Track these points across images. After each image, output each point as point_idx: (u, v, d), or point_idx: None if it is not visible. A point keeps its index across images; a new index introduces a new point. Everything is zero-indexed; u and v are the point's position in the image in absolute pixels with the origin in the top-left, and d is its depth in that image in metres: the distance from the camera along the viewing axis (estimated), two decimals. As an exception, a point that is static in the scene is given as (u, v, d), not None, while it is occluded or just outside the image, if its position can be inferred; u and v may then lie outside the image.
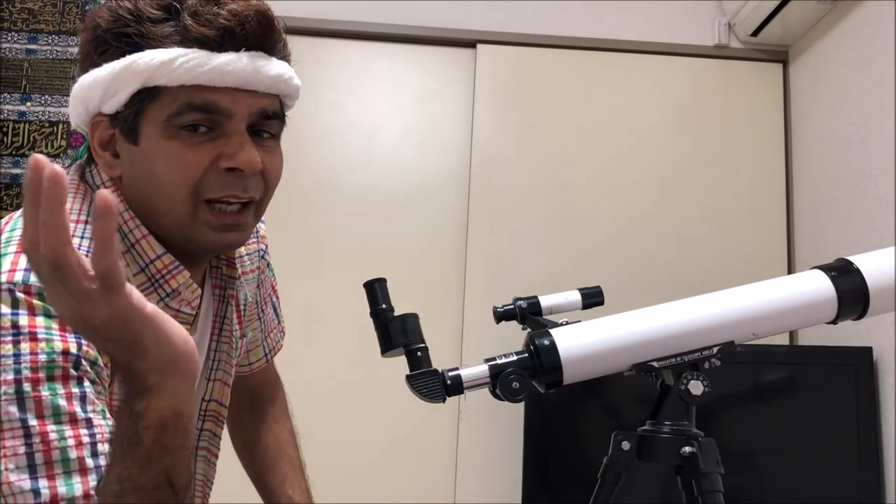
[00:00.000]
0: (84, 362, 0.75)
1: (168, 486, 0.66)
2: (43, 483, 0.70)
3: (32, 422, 0.71)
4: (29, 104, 2.33)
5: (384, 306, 0.90)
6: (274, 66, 0.89)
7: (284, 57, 0.93)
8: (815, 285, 0.95)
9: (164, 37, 0.85)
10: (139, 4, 0.86)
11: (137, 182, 0.89)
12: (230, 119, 0.87)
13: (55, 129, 2.32)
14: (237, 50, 0.86)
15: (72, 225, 0.83)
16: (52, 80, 2.34)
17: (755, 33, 2.38)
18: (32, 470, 0.70)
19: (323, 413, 2.21)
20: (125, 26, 0.85)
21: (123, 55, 0.85)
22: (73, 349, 0.74)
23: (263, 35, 0.88)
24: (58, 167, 0.56)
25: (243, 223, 0.90)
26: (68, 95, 2.36)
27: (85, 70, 0.88)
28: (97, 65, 0.87)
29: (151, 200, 0.88)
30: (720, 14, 2.47)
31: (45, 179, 0.55)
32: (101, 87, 0.86)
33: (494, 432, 2.23)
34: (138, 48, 0.85)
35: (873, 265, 0.96)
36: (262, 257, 1.16)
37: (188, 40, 0.85)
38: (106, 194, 0.57)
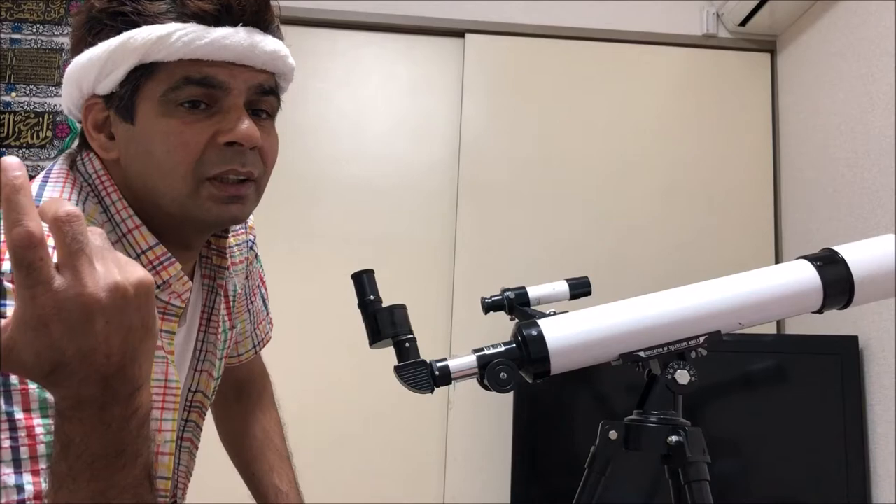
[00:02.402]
0: None
1: (148, 481, 0.63)
2: (27, 478, 0.68)
3: (19, 415, 0.69)
4: (14, 94, 2.31)
5: (372, 297, 0.90)
6: (270, 42, 0.89)
7: (279, 37, 0.93)
8: (801, 275, 0.95)
9: (160, 13, 0.84)
10: None
11: (135, 162, 0.88)
12: (228, 94, 0.86)
13: (41, 119, 2.30)
14: (234, 24, 0.86)
15: None
16: (38, 69, 2.32)
17: (743, 23, 2.38)
18: (17, 464, 0.68)
19: (313, 403, 2.21)
20: (121, 5, 0.85)
21: (119, 33, 0.84)
22: None
23: (260, 10, 0.88)
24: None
25: (245, 195, 0.89)
26: (54, 85, 2.35)
27: (79, 52, 0.87)
28: (92, 45, 0.86)
29: (149, 180, 0.87)
30: (709, 4, 2.47)
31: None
32: (96, 66, 0.85)
33: (483, 422, 2.23)
34: (134, 25, 0.84)
35: (858, 255, 0.96)
36: (251, 248, 1.16)
37: (185, 15, 0.84)
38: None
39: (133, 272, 0.57)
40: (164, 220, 0.89)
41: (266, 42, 0.88)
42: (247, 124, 0.86)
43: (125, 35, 0.84)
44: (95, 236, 0.57)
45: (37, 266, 0.52)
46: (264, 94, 0.90)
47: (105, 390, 0.57)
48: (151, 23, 0.84)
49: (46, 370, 0.55)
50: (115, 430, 0.58)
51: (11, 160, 0.53)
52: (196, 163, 0.85)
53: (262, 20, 0.89)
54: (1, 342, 0.53)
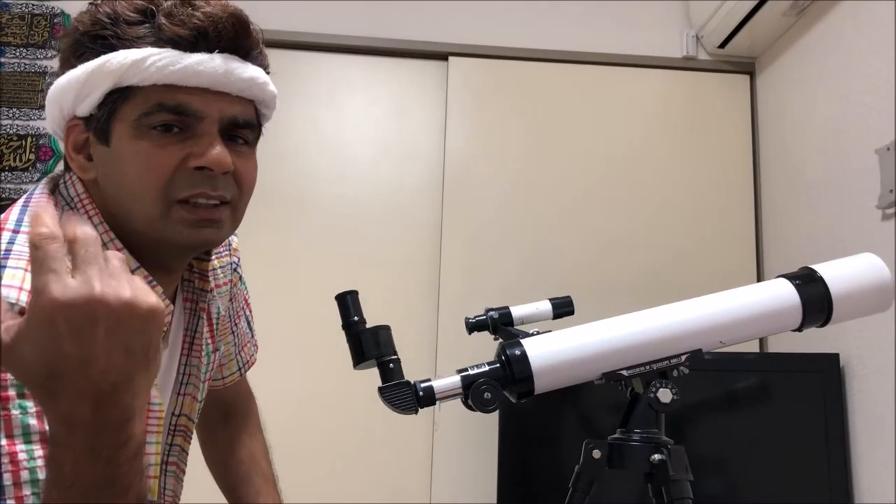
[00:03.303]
0: None
1: None
2: None
3: (2, 441, 0.69)
4: (-3, 117, 2.30)
5: (356, 318, 0.90)
6: (248, 70, 0.89)
7: (262, 65, 0.93)
8: (780, 293, 0.97)
9: (138, 38, 0.85)
10: (117, 7, 0.86)
11: (110, 184, 0.88)
12: (201, 121, 0.86)
13: (23, 142, 2.30)
14: (210, 51, 0.86)
15: None
16: (21, 92, 2.32)
17: (723, 45, 2.42)
18: (0, 491, 0.68)
19: (298, 425, 2.20)
20: (102, 29, 0.86)
21: (98, 56, 0.85)
22: None
23: (238, 37, 0.88)
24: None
25: (219, 219, 0.89)
26: (37, 108, 2.35)
27: (62, 74, 0.88)
28: (73, 67, 0.87)
29: (123, 202, 0.87)
30: (688, 26, 2.51)
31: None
32: (74, 87, 0.86)
33: (469, 443, 2.23)
34: (113, 49, 0.85)
35: (836, 273, 0.98)
36: (235, 270, 1.16)
37: (161, 40, 0.85)
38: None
39: (147, 295, 0.58)
40: (142, 243, 0.89)
41: (243, 69, 0.88)
42: (217, 150, 0.86)
43: (102, 58, 0.84)
44: (115, 259, 0.59)
45: (52, 257, 0.54)
46: (239, 126, 0.90)
47: (97, 412, 0.57)
48: (129, 47, 0.84)
49: (45, 372, 0.55)
50: (106, 460, 0.58)
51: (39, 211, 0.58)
52: (165, 186, 0.85)
53: (241, 47, 0.89)
54: (5, 337, 0.55)
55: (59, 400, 0.56)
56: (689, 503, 0.90)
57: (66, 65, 0.88)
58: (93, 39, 0.86)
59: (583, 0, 2.52)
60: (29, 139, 2.30)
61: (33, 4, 2.38)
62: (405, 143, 2.44)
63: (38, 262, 0.54)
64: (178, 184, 0.86)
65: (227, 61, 0.87)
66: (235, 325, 1.21)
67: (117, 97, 0.85)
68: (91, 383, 0.56)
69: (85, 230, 0.56)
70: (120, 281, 0.57)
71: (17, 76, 2.33)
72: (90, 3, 0.89)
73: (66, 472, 0.58)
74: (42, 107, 2.29)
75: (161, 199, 0.85)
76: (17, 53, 2.34)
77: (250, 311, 1.27)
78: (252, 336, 1.28)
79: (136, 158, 0.85)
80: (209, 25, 0.85)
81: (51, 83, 0.90)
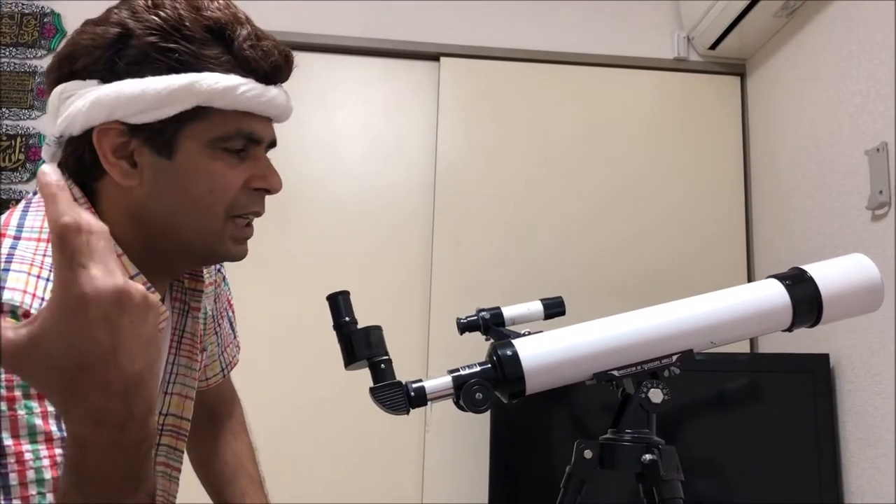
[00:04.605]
0: None
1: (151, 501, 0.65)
2: None
3: (8, 441, 0.69)
4: (-14, 117, 2.29)
5: (347, 319, 0.90)
6: (290, 100, 0.97)
7: None
8: (771, 294, 0.97)
9: (213, 58, 0.87)
10: (181, 20, 0.86)
11: (164, 195, 0.89)
12: (258, 145, 0.94)
13: (13, 142, 2.28)
14: (276, 83, 0.93)
15: (42, 244, 0.82)
16: (11, 92, 2.30)
17: (713, 46, 2.43)
18: (6, 491, 0.68)
19: (287, 427, 2.19)
20: (168, 42, 0.85)
21: (169, 71, 0.85)
22: None
23: (289, 72, 0.96)
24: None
25: (251, 236, 0.98)
26: (27, 108, 2.33)
27: (96, 73, 0.86)
28: (129, 74, 0.85)
29: (179, 214, 0.90)
30: (679, 28, 2.52)
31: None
32: (147, 99, 0.84)
33: (461, 443, 2.23)
34: (185, 66, 0.86)
35: (827, 274, 0.98)
36: (219, 271, 1.17)
37: (243, 69, 0.89)
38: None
39: (155, 296, 0.60)
40: (168, 251, 0.92)
41: (289, 100, 0.97)
42: (275, 173, 0.96)
43: (189, 77, 0.85)
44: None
45: (81, 250, 0.55)
46: (273, 145, 0.99)
47: (124, 405, 0.58)
48: (206, 69, 0.86)
49: (76, 364, 0.55)
50: (127, 454, 0.60)
51: (46, 168, 0.59)
52: (230, 204, 0.92)
53: (286, 79, 0.96)
54: (15, 338, 0.55)
55: (89, 395, 0.57)
56: (680, 503, 0.90)
57: (107, 65, 0.85)
58: (160, 51, 0.85)
59: (574, 1, 2.53)
60: (18, 139, 2.29)
61: (23, 4, 2.37)
62: (396, 143, 2.43)
63: (67, 255, 0.55)
64: (239, 202, 0.93)
65: (285, 95, 0.95)
66: (219, 325, 1.20)
67: (191, 115, 0.87)
68: (120, 374, 0.57)
69: (99, 222, 0.58)
70: (129, 281, 0.60)
71: (7, 75, 2.32)
72: (123, 5, 0.88)
73: (87, 471, 0.59)
74: (32, 106, 2.28)
75: (223, 215, 0.92)
76: (7, 53, 2.33)
77: (233, 312, 1.27)
78: (234, 337, 1.28)
79: (209, 177, 0.90)
80: (282, 61, 0.93)
81: (41, 82, 0.89)
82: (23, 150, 2.29)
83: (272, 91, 0.92)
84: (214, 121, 0.88)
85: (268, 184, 0.95)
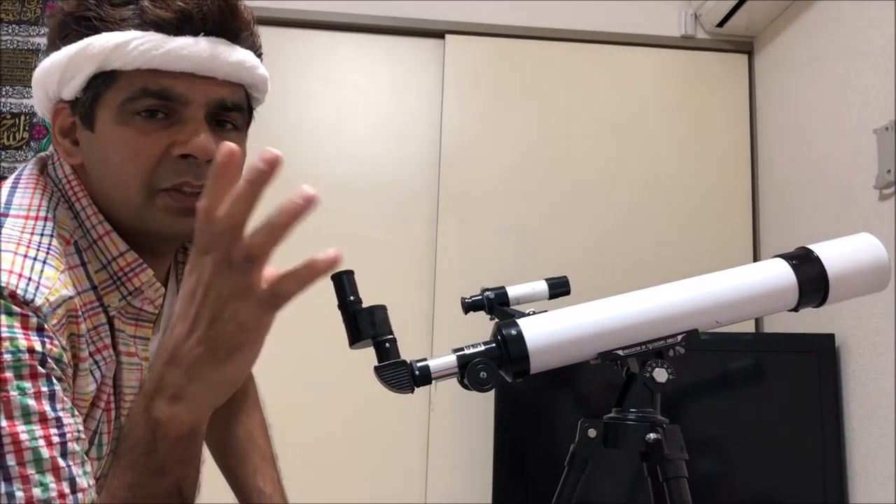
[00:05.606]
0: (49, 360, 0.73)
1: (178, 495, 0.67)
2: (17, 485, 0.68)
3: (2, 423, 0.69)
4: (-10, 95, 2.28)
5: (352, 298, 0.90)
6: (235, 54, 0.87)
7: (252, 47, 0.90)
8: (777, 273, 0.97)
9: (122, 20, 0.83)
10: None
11: (95, 170, 0.87)
12: (186, 106, 0.84)
13: (17, 120, 2.28)
14: (195, 34, 0.84)
15: (31, 222, 0.82)
16: (14, 70, 2.30)
17: (721, 24, 2.40)
18: (5, 472, 0.68)
19: (293, 406, 2.20)
20: (86, 10, 0.84)
21: (82, 38, 0.83)
22: (38, 346, 0.72)
23: (224, 20, 0.86)
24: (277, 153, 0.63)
25: (192, 207, 0.88)
26: (30, 86, 2.32)
27: (48, 55, 0.87)
28: (58, 48, 0.85)
29: (107, 189, 0.86)
30: (686, 5, 2.49)
31: (265, 161, 0.64)
32: (58, 70, 0.85)
33: (465, 423, 2.24)
34: (96, 31, 0.83)
35: (833, 253, 0.98)
36: None
37: (145, 23, 0.82)
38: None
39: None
40: (128, 227, 0.88)
41: (230, 53, 0.86)
42: (202, 137, 0.84)
43: (84, 41, 0.83)
44: None
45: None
46: (227, 109, 0.88)
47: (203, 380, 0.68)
48: (112, 29, 0.82)
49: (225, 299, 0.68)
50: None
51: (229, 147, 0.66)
52: (149, 174, 0.84)
53: (228, 29, 0.86)
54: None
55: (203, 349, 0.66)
56: (684, 482, 0.90)
57: (52, 46, 0.87)
58: (77, 21, 0.84)
59: (581, -22, 2.50)
60: (23, 117, 2.28)
61: (26, -19, 2.36)
62: (401, 121, 2.42)
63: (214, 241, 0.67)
64: (162, 172, 0.84)
65: (214, 45, 0.84)
66: None
67: (101, 81, 0.84)
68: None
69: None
70: None
71: (10, 53, 2.31)
72: None
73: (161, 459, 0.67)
74: (35, 85, 2.27)
75: (144, 188, 0.84)
76: (10, 30, 2.32)
77: None
78: None
79: (120, 146, 0.84)
80: (194, 8, 0.83)
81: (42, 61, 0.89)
82: (27, 128, 2.28)
83: (176, 41, 0.82)
84: (121, 84, 0.83)
85: (188, 148, 0.83)
